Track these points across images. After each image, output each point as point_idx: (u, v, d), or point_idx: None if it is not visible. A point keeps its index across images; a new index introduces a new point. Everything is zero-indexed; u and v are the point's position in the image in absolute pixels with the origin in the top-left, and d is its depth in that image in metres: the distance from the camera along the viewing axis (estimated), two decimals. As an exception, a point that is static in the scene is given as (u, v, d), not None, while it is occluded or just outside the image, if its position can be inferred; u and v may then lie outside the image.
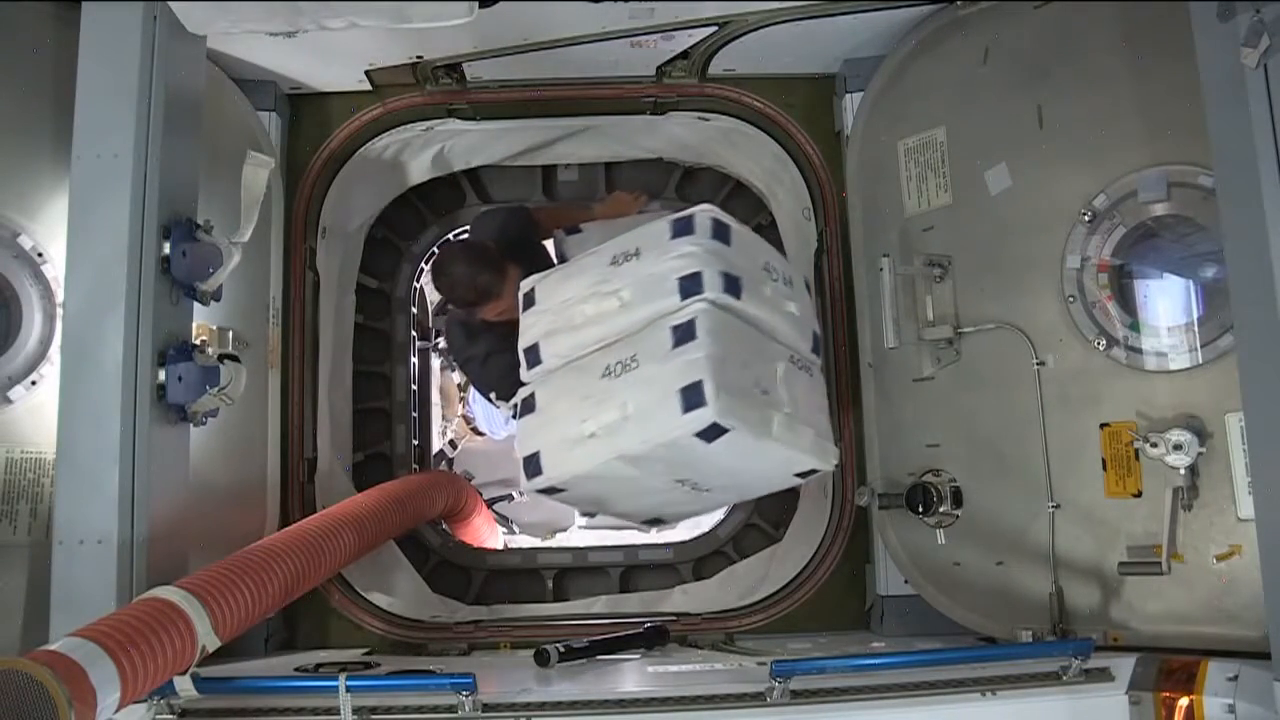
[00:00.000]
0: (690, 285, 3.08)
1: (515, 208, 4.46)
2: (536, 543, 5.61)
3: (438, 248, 5.17)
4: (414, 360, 5.28)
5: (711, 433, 2.92)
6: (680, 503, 3.36)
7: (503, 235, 4.12)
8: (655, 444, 2.97)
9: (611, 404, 3.03)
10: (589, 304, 3.20)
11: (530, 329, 3.35)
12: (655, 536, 4.85)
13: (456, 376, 6.88)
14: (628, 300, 3.14)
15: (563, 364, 3.25)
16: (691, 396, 2.90)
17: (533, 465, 3.13)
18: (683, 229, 3.19)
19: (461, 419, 6.74)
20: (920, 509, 3.59)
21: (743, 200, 5.19)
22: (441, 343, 6.79)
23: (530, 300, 3.40)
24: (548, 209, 4.99)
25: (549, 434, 3.13)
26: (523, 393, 3.31)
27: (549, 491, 3.23)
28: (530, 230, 4.34)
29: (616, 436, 3.00)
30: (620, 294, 3.15)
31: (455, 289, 3.81)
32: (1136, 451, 3.13)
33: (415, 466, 5.19)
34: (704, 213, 3.23)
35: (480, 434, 6.76)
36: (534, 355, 3.28)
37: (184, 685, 2.58)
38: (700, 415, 2.89)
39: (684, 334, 3.02)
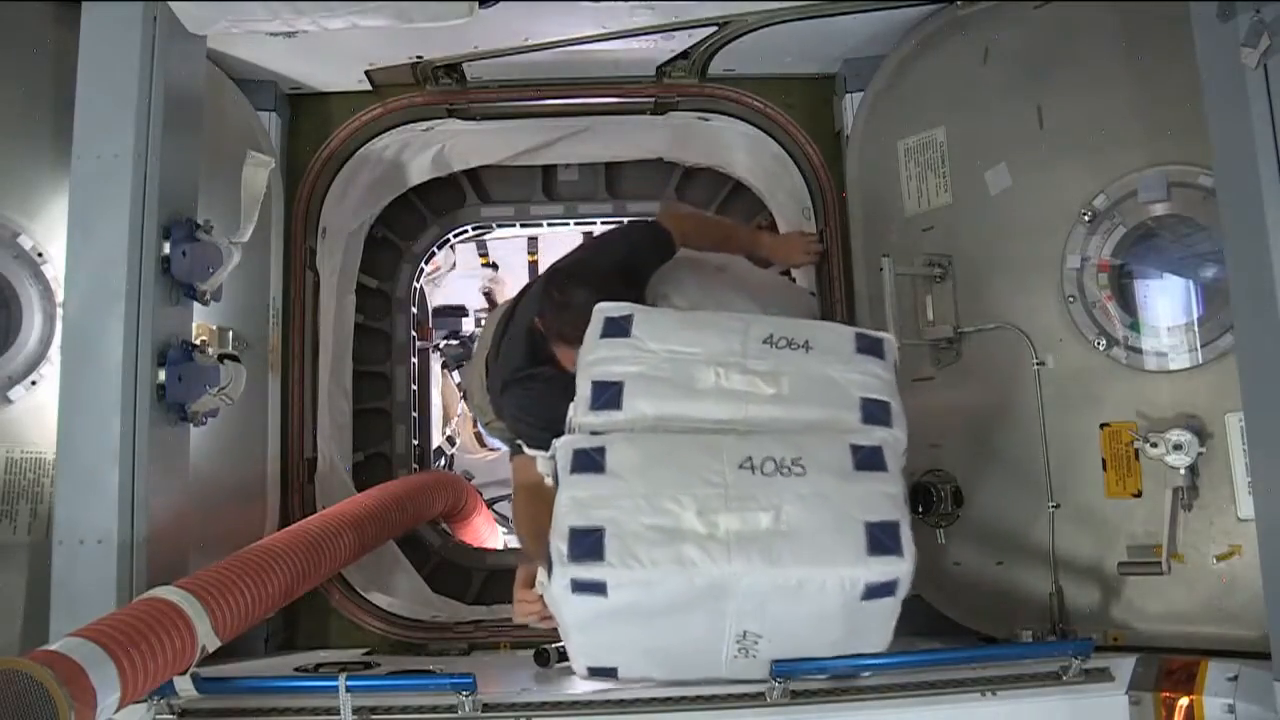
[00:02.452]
0: (876, 412, 2.54)
1: (659, 238, 3.50)
2: (536, 542, 5.61)
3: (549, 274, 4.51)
4: (414, 360, 5.29)
5: (885, 590, 2.35)
6: (703, 667, 2.59)
7: (632, 265, 3.34)
8: (806, 576, 2.31)
9: (754, 505, 2.33)
10: (725, 373, 2.51)
11: (609, 361, 2.60)
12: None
13: (456, 377, 6.89)
14: (787, 394, 2.52)
15: (652, 423, 2.53)
16: (881, 537, 2.32)
17: (588, 544, 2.31)
18: (871, 348, 2.68)
19: (471, 423, 6.74)
20: (920, 509, 3.58)
21: (743, 200, 5.20)
22: (444, 344, 6.82)
23: (621, 329, 2.65)
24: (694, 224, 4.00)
25: (626, 512, 2.34)
26: (578, 439, 2.51)
27: (584, 589, 2.33)
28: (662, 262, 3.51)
29: (749, 548, 2.29)
30: (778, 380, 2.53)
31: (564, 319, 3.01)
32: (1136, 451, 3.13)
33: (415, 466, 5.20)
34: (892, 343, 2.76)
35: (485, 445, 6.79)
36: (609, 394, 2.53)
37: (184, 685, 2.58)
38: (888, 565, 2.32)
39: (870, 459, 2.45)
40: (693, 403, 2.49)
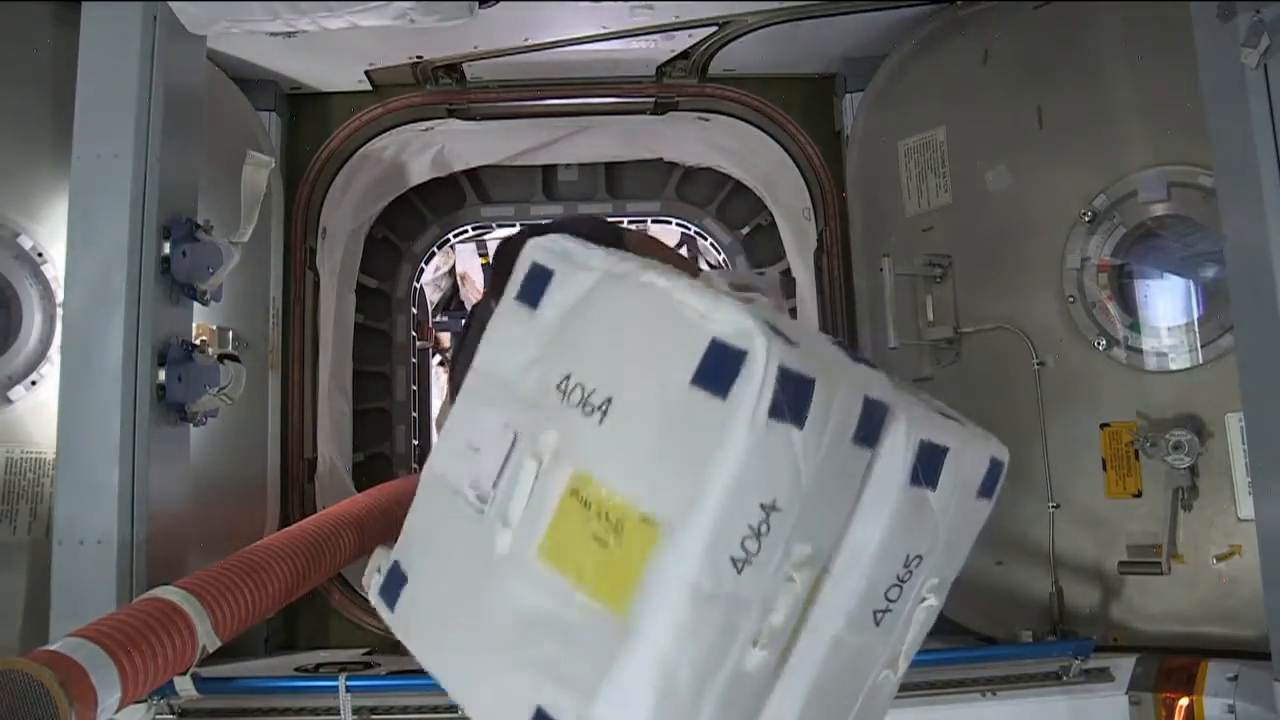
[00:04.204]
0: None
1: (610, 224, 2.87)
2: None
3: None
4: (414, 360, 5.29)
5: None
6: None
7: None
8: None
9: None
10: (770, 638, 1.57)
11: None
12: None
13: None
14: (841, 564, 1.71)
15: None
16: (989, 482, 2.00)
17: None
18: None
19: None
20: (920, 509, 3.58)
21: (743, 200, 5.20)
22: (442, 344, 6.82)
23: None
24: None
25: None
26: None
27: None
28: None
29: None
30: (825, 554, 1.68)
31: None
32: (1136, 451, 3.13)
33: (415, 466, 5.19)
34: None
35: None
36: None
37: (184, 685, 2.58)
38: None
39: (929, 464, 1.86)
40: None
